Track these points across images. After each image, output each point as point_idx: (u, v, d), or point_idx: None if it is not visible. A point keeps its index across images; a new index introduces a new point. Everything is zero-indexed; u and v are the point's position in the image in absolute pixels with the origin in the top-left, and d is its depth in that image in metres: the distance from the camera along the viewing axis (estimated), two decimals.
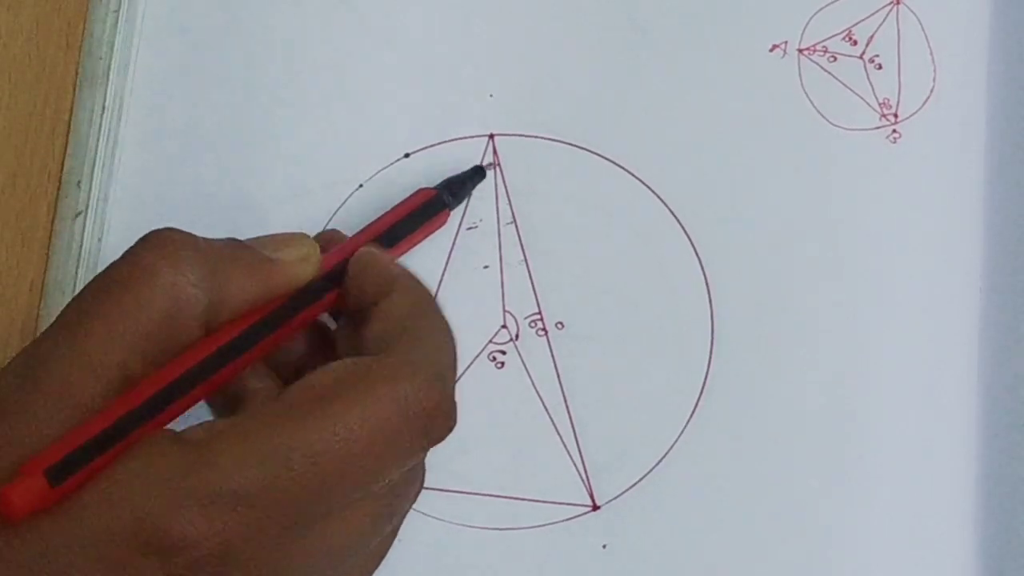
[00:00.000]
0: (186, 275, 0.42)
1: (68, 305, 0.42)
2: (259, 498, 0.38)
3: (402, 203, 0.52)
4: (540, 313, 0.54)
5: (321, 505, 0.40)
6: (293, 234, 0.48)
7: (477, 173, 0.54)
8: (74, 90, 0.55)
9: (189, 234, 0.44)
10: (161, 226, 0.54)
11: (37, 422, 0.39)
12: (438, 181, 0.54)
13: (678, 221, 0.55)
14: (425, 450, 0.43)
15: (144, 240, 0.43)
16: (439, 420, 0.42)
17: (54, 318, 0.51)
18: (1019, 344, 0.53)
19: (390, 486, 0.42)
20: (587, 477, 0.52)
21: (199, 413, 0.44)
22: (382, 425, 0.41)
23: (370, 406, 0.41)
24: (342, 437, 0.40)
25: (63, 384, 0.40)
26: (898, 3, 0.57)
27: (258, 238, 0.47)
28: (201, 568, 0.38)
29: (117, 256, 0.53)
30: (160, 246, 0.43)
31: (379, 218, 0.51)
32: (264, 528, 0.39)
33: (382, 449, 0.41)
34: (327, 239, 0.50)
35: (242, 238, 0.46)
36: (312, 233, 0.49)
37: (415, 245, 0.52)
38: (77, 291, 0.53)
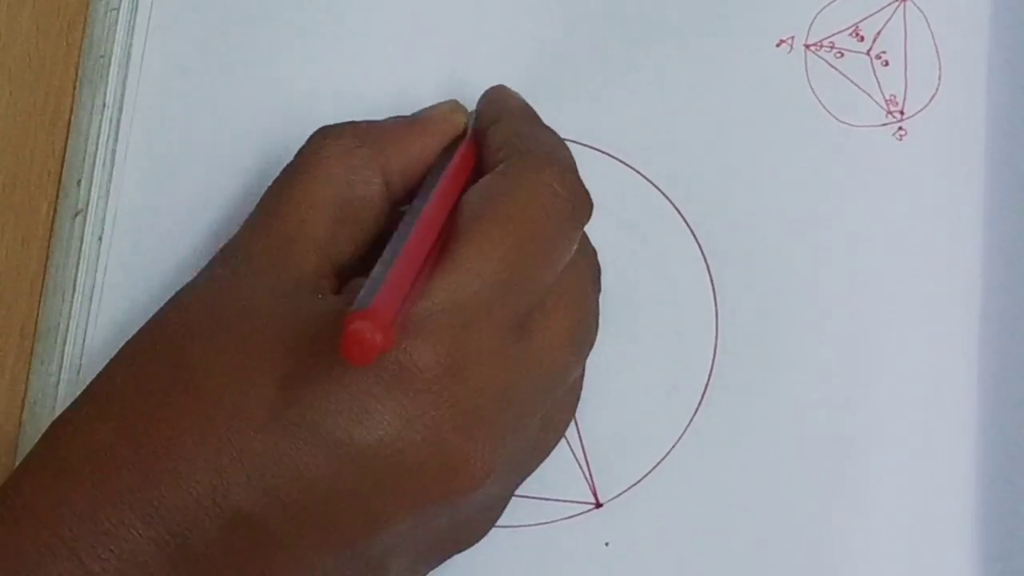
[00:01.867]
0: (353, 141, 0.49)
1: (261, 199, 0.49)
2: (476, 310, 0.43)
3: None
4: None
5: (519, 295, 0.44)
6: (438, 103, 0.53)
7: None
8: (74, 90, 0.55)
9: (349, 126, 0.50)
10: (160, 226, 0.55)
11: (253, 294, 0.45)
12: None
13: (682, 217, 0.55)
14: (578, 231, 0.48)
15: (309, 137, 0.50)
16: (581, 200, 0.48)
17: (53, 317, 0.52)
18: (1019, 344, 0.52)
19: (569, 277, 0.47)
20: (590, 475, 0.52)
21: None
22: (540, 207, 0.45)
23: (525, 195, 0.45)
24: (516, 227, 0.44)
25: (270, 257, 0.46)
26: (904, 0, 0.57)
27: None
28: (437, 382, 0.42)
29: (117, 256, 0.54)
30: (324, 131, 0.49)
31: None
32: (483, 335, 0.43)
33: (548, 228, 0.45)
34: None
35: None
36: None
37: None
38: (77, 291, 0.53)
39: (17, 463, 0.52)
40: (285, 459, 0.40)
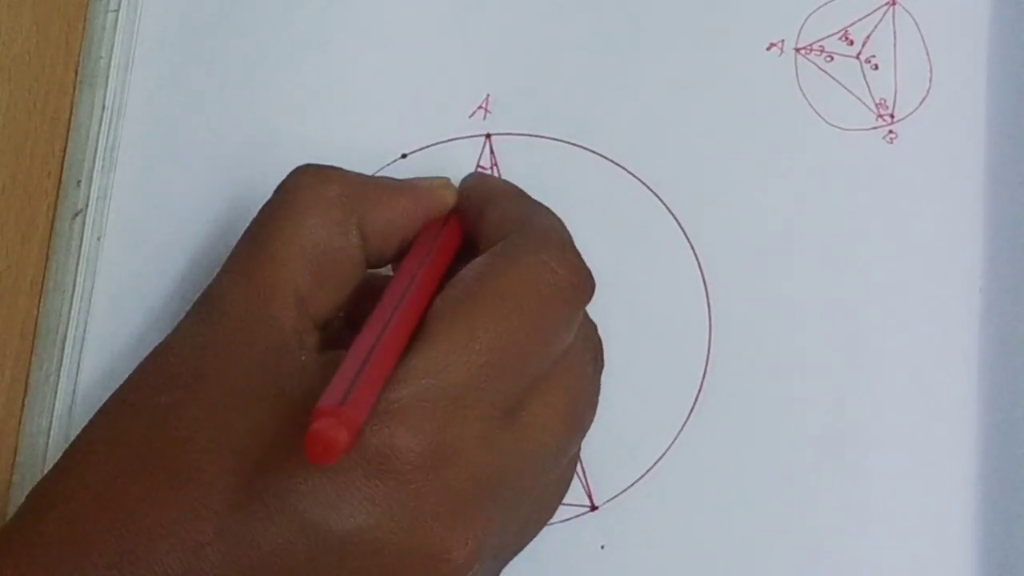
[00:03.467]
0: (335, 191, 0.47)
1: (235, 248, 0.47)
2: (464, 394, 0.41)
3: None
4: None
5: (511, 379, 0.42)
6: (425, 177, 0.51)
7: None
8: (74, 90, 0.55)
9: (331, 165, 0.48)
10: (160, 226, 0.55)
11: (226, 353, 0.43)
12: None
13: (675, 219, 0.55)
14: (578, 312, 0.46)
15: (291, 173, 0.48)
16: (583, 280, 0.46)
17: (53, 317, 0.52)
18: (1019, 344, 0.53)
19: (568, 358, 0.45)
20: (585, 477, 0.52)
21: None
22: (539, 288, 0.43)
23: (523, 275, 0.43)
24: (509, 308, 0.42)
25: (246, 314, 0.44)
26: (894, 3, 0.57)
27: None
28: (419, 471, 0.40)
29: (117, 256, 0.54)
30: (307, 174, 0.47)
31: None
32: (470, 420, 0.41)
33: (545, 310, 0.43)
34: None
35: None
36: None
37: None
38: (77, 291, 0.53)
39: (16, 463, 0.52)
40: (262, 541, 0.39)
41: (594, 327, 0.49)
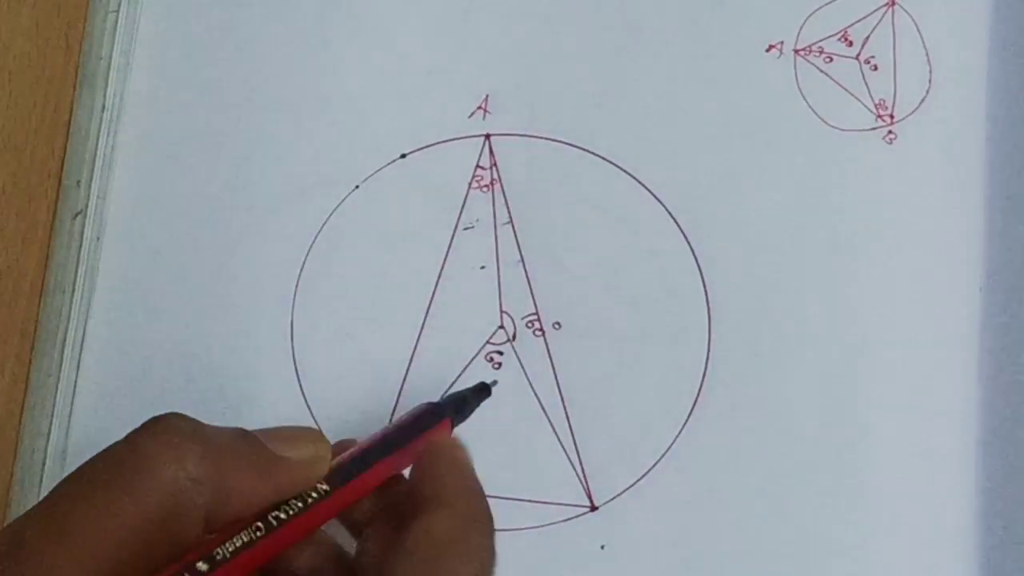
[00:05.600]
0: (188, 469, 0.39)
1: (59, 485, 0.38)
2: None
3: (407, 416, 0.48)
4: (537, 313, 0.54)
5: None
6: (305, 430, 0.44)
7: (483, 391, 0.51)
8: (74, 90, 0.55)
9: (195, 422, 0.40)
10: (159, 226, 0.55)
11: None
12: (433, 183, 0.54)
13: (674, 220, 0.55)
14: None
15: (147, 426, 0.40)
16: None
17: (53, 317, 0.52)
18: (1019, 344, 0.53)
19: None
20: (585, 478, 0.52)
21: None
22: None
23: None
24: None
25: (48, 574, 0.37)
26: (893, 4, 0.57)
27: (267, 431, 0.43)
28: None
29: (116, 255, 0.54)
30: (164, 434, 0.39)
31: (385, 429, 0.47)
32: None
33: None
34: (338, 447, 0.46)
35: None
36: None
37: (415, 456, 0.47)
38: (77, 291, 0.53)
39: (16, 463, 0.52)
40: None
41: None
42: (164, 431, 0.39)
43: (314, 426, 0.52)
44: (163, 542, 0.38)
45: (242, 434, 0.42)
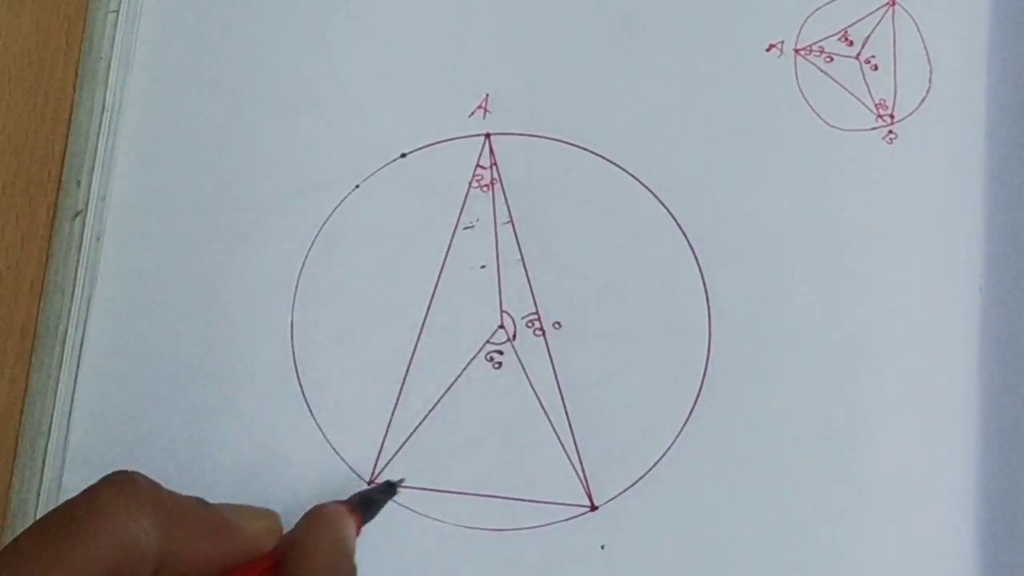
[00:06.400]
0: (140, 521, 0.41)
1: (20, 534, 0.40)
2: None
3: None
4: (537, 313, 0.54)
5: None
6: (260, 509, 0.47)
7: (389, 489, 0.51)
8: (74, 90, 0.55)
9: (154, 483, 0.42)
10: (159, 226, 0.55)
11: None
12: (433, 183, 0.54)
13: (675, 220, 0.55)
14: None
15: (107, 478, 0.42)
16: None
17: (53, 318, 0.52)
18: (1019, 344, 0.53)
19: None
20: (585, 477, 0.52)
21: None
22: None
23: None
24: None
25: None
26: (893, 4, 0.57)
27: (226, 505, 0.45)
28: None
29: (117, 256, 0.54)
30: (121, 488, 0.41)
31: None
32: None
33: None
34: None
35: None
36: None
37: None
38: (77, 291, 0.53)
39: (16, 463, 0.52)
40: None
41: None
42: (121, 484, 0.41)
43: (314, 426, 0.52)
44: None
45: (199, 500, 0.44)
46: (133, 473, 0.42)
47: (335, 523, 0.47)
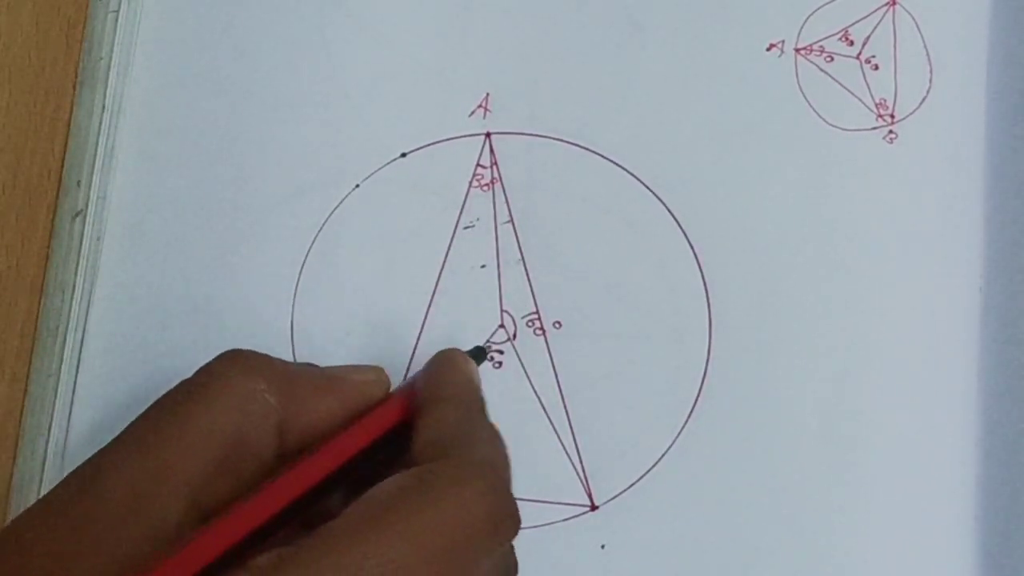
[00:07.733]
0: (257, 382, 0.43)
1: (139, 416, 0.42)
2: None
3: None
4: (537, 312, 0.54)
5: None
6: (363, 365, 0.48)
7: (480, 354, 0.52)
8: (74, 90, 0.55)
9: (263, 353, 0.45)
10: (159, 226, 0.55)
11: (103, 533, 0.39)
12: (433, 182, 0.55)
13: (675, 220, 0.55)
14: (495, 552, 0.41)
15: (219, 356, 0.44)
16: (506, 521, 0.41)
17: (53, 317, 0.52)
18: (1019, 344, 0.53)
19: None
20: (585, 477, 0.53)
21: None
22: (452, 529, 0.39)
23: (438, 511, 0.39)
24: (413, 545, 0.38)
25: (132, 495, 0.40)
26: (894, 4, 0.57)
27: (330, 366, 0.48)
28: None
29: (116, 256, 0.54)
30: (233, 358, 0.44)
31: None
32: None
33: (453, 553, 0.39)
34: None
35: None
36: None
37: None
38: (77, 291, 0.53)
39: (16, 462, 0.53)
40: None
41: (510, 548, 0.44)
42: (233, 355, 0.44)
43: None
44: (239, 456, 0.42)
45: (308, 364, 0.48)
46: (242, 349, 0.45)
47: (461, 362, 0.48)
